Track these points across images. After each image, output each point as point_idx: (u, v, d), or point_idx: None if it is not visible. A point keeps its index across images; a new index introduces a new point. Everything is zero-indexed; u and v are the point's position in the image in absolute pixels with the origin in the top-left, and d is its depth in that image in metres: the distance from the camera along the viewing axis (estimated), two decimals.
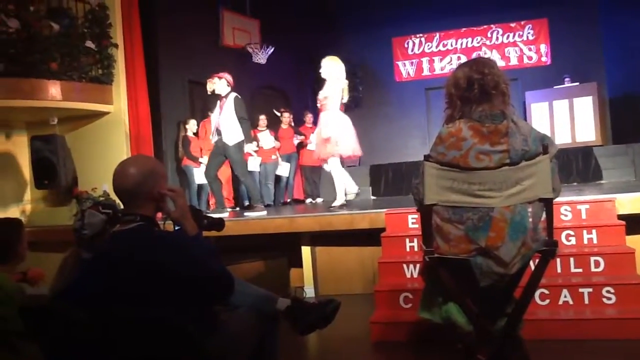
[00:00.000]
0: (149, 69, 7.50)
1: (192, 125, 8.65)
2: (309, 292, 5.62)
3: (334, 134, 6.12)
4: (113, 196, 2.18)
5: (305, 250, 5.72)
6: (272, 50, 10.36)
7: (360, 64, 12.02)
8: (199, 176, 8.45)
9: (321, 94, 6.34)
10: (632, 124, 10.57)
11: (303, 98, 11.62)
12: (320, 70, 6.37)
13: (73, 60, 6.53)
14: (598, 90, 10.01)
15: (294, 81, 11.76)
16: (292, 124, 9.64)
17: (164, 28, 8.75)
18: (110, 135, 6.88)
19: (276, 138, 9.18)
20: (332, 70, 6.30)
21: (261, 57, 10.35)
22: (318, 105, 6.45)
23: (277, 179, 9.33)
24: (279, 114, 9.59)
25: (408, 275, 4.44)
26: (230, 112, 6.33)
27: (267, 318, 2.45)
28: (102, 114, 6.86)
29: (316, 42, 10.74)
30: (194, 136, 8.66)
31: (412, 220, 4.86)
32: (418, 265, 4.29)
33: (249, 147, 6.81)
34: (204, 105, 9.24)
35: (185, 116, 8.89)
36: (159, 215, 2.16)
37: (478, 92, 2.44)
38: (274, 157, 9.12)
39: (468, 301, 2.47)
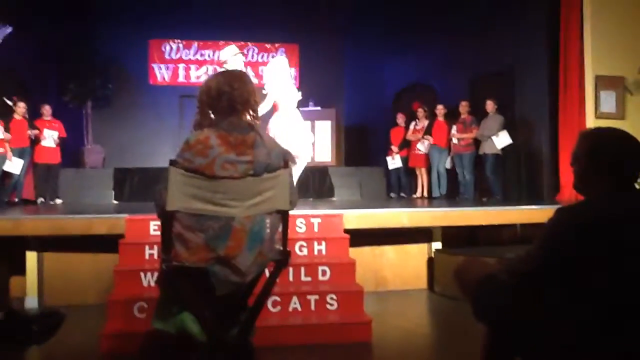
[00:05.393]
0: None
1: None
2: (33, 303, 5.08)
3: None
4: None
5: (31, 257, 5.15)
6: (10, 30, 9.18)
7: (113, 62, 11.39)
8: None
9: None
10: (362, 150, 12.06)
11: (43, 90, 10.50)
12: None
13: None
14: (336, 116, 11.16)
15: (37, 70, 10.56)
16: (27, 116, 8.65)
17: None
18: None
19: (7, 129, 8.15)
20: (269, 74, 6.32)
21: None
22: None
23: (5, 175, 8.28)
24: (11, 103, 8.53)
25: (145, 284, 4.32)
26: None
27: None
28: None
29: (68, 31, 9.88)
30: None
31: (154, 227, 4.74)
32: (156, 274, 4.19)
33: None
34: None
35: None
36: None
37: (226, 105, 2.50)
38: (2, 150, 8.08)
39: (204, 310, 2.48)
